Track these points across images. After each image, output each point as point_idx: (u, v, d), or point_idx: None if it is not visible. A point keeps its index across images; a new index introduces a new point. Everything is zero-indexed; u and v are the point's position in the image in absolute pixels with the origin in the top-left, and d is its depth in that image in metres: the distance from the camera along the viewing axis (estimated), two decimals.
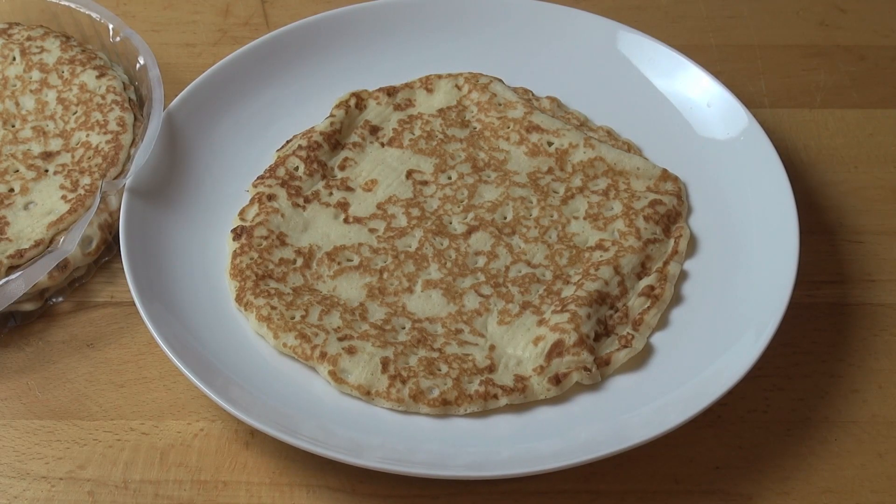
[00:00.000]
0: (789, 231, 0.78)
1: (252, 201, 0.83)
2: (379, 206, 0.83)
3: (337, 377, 0.73)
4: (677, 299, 0.78)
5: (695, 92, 0.88)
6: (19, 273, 0.75)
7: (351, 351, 0.74)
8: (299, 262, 0.80)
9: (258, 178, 0.84)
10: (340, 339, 0.74)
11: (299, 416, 0.71)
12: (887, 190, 0.88)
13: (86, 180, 0.82)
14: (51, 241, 0.80)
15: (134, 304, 0.74)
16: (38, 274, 0.75)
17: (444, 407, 0.72)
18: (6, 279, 0.74)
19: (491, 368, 0.74)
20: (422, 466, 0.69)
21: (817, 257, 0.83)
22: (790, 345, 0.78)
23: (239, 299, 0.77)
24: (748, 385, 0.73)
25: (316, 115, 0.88)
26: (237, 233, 0.81)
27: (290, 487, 0.71)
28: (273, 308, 0.76)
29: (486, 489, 0.71)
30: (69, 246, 0.76)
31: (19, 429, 0.74)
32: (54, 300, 0.80)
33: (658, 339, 0.76)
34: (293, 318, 0.76)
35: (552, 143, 0.86)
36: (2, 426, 0.74)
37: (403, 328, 0.76)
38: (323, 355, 0.74)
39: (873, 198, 0.88)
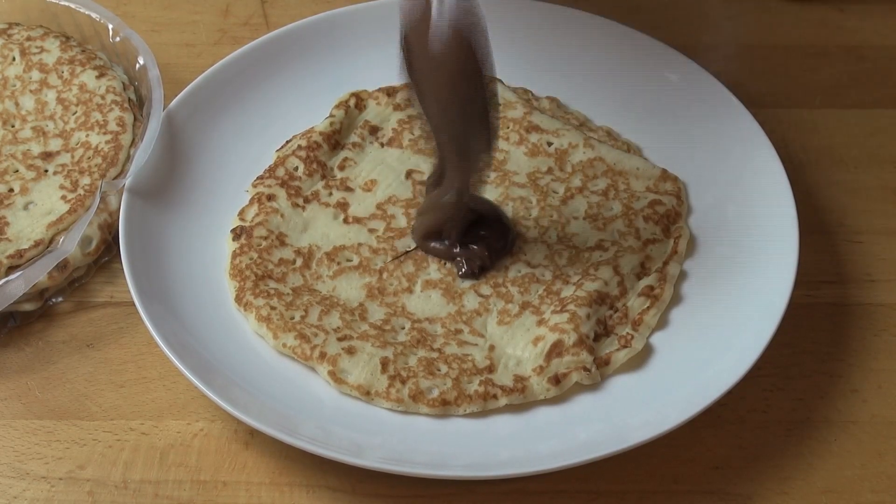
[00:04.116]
0: (789, 231, 0.78)
1: (252, 201, 0.83)
2: (378, 207, 0.83)
3: (336, 377, 0.73)
4: (677, 299, 0.78)
5: (695, 92, 0.88)
6: (19, 273, 0.75)
7: (350, 351, 0.74)
8: (299, 262, 0.80)
9: (258, 178, 0.84)
10: (340, 340, 0.74)
11: (299, 416, 0.71)
12: (887, 190, 0.88)
13: (85, 180, 0.82)
14: (51, 241, 0.80)
15: (134, 304, 0.74)
16: (38, 274, 0.75)
17: (444, 407, 0.72)
18: (6, 279, 0.74)
19: (490, 368, 0.74)
20: (422, 466, 0.69)
21: (817, 257, 0.83)
22: (790, 345, 0.78)
23: (238, 299, 0.77)
24: (748, 385, 0.73)
25: (316, 115, 0.88)
26: (237, 233, 0.81)
27: (290, 487, 0.71)
28: (273, 308, 0.76)
29: (486, 489, 0.71)
30: (69, 246, 0.76)
31: (19, 429, 0.74)
32: (54, 300, 0.80)
33: (658, 339, 0.76)
34: (293, 318, 0.76)
35: (552, 144, 0.86)
36: (2, 426, 0.74)
37: (403, 328, 0.76)
38: (322, 355, 0.74)
39: (873, 198, 0.88)
